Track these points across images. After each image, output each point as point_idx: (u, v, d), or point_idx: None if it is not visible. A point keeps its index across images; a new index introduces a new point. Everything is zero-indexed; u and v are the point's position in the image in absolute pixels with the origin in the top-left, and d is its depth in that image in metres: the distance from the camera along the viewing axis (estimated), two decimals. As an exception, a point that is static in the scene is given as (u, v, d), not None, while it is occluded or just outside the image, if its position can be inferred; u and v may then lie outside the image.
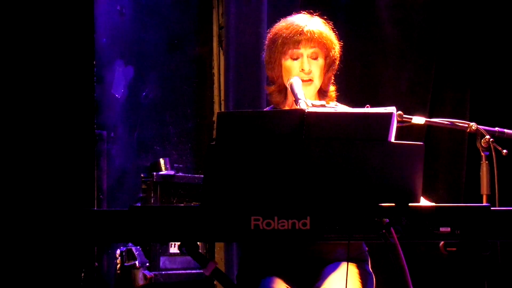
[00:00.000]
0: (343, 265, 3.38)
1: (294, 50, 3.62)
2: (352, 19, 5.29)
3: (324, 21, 3.71)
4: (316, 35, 3.61)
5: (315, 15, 3.73)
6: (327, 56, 3.65)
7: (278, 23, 3.73)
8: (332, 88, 3.74)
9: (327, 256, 3.45)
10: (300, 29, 3.63)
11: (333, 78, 3.74)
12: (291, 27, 3.65)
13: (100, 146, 4.39)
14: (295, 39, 3.62)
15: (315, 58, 3.62)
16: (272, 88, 3.71)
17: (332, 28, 3.72)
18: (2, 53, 3.98)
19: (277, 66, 3.66)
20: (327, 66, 3.66)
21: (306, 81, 3.59)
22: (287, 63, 3.63)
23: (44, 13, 4.06)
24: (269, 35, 3.72)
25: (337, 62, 3.71)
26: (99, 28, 4.45)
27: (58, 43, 4.08)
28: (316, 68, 3.62)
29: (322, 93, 3.70)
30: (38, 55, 4.04)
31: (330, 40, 3.65)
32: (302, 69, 3.60)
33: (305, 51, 3.62)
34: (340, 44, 3.72)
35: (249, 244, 3.57)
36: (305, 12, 3.74)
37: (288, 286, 3.32)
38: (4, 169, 3.92)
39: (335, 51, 3.67)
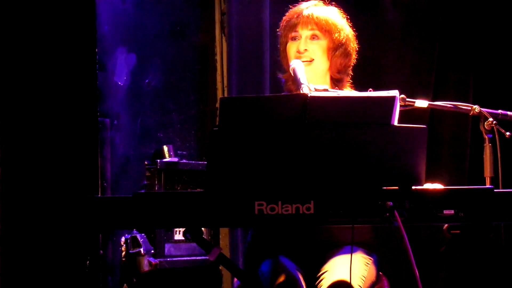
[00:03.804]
0: (349, 249, 3.38)
1: (293, 32, 3.66)
2: (355, 4, 5.28)
3: (338, 10, 3.72)
4: (314, 17, 3.64)
5: (331, 4, 3.74)
6: (330, 40, 3.65)
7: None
8: (347, 78, 3.73)
9: (333, 240, 3.46)
10: (299, 12, 3.67)
11: (350, 70, 3.73)
12: (293, 11, 3.71)
13: (103, 134, 4.39)
14: (293, 21, 3.67)
15: (315, 39, 3.64)
16: (286, 75, 3.73)
17: (347, 18, 3.73)
18: (3, 42, 3.98)
19: (284, 51, 3.70)
20: (332, 50, 3.66)
21: (305, 62, 3.59)
22: (288, 45, 3.66)
23: (46, 1, 4.05)
24: (280, 24, 3.76)
25: (352, 52, 3.70)
26: (101, 15, 4.44)
27: (60, 32, 4.07)
28: (316, 48, 3.63)
29: (334, 82, 3.69)
30: (40, 43, 4.03)
31: (333, 25, 3.66)
32: (298, 50, 3.62)
33: (303, 32, 3.64)
34: (354, 33, 3.73)
35: (255, 229, 3.57)
36: (320, 0, 3.76)
37: (296, 268, 3.33)
38: (8, 158, 3.92)
39: (340, 36, 3.66)
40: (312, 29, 3.64)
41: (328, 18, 3.66)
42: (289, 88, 3.73)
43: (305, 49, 3.62)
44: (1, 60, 3.95)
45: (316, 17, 3.64)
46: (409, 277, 2.78)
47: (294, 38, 3.66)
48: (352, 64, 3.73)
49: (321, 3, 3.75)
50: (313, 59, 3.62)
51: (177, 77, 5.12)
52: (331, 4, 3.76)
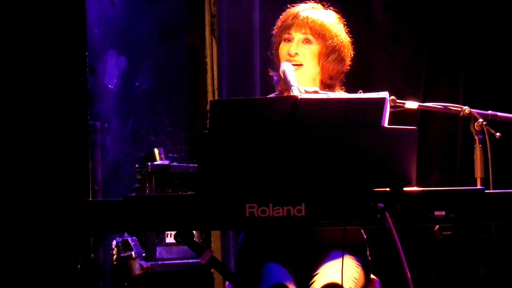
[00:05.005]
0: (339, 251, 3.38)
1: (287, 34, 3.64)
2: (344, 5, 5.28)
3: (335, 15, 3.71)
4: (309, 21, 3.61)
5: (327, 8, 3.72)
6: (324, 46, 3.63)
7: None
8: (339, 84, 3.72)
9: (325, 242, 3.46)
10: (295, 14, 3.65)
11: (343, 77, 3.72)
12: (289, 12, 3.69)
13: (94, 137, 4.38)
14: (288, 23, 3.65)
15: (307, 44, 3.62)
16: (278, 74, 3.72)
17: (344, 24, 3.72)
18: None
19: (277, 50, 3.70)
20: (325, 55, 3.63)
21: (295, 65, 3.59)
22: (280, 45, 3.65)
23: (35, 5, 4.04)
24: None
25: (346, 59, 3.68)
26: (91, 18, 4.44)
27: (50, 35, 4.07)
28: (307, 53, 3.61)
29: (324, 87, 3.68)
30: (30, 47, 4.03)
31: (328, 30, 3.63)
32: (289, 53, 3.61)
33: (296, 35, 3.63)
34: (350, 40, 3.71)
35: (246, 231, 3.57)
36: (317, 2, 3.74)
37: (287, 272, 3.32)
38: (-2, 162, 3.92)
39: (334, 42, 3.63)
40: (305, 33, 3.63)
41: (324, 23, 3.63)
42: (281, 87, 3.72)
43: (296, 53, 3.61)
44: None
45: (311, 21, 3.62)
46: (401, 279, 2.78)
47: (286, 40, 3.65)
48: (346, 70, 3.71)
49: (319, 6, 3.72)
50: (303, 64, 3.61)
51: (168, 79, 5.12)
52: (329, 8, 3.74)
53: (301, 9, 3.68)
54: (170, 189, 4.82)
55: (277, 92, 3.75)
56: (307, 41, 3.63)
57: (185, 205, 2.81)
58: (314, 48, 3.63)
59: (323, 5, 3.74)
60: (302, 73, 3.60)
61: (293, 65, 3.57)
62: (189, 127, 5.23)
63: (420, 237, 5.21)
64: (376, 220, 2.80)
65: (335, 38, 3.64)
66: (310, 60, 3.62)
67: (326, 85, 3.68)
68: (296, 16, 3.65)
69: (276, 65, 3.74)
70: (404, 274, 2.76)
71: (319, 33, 3.62)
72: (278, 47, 3.68)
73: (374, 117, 2.78)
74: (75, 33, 4.17)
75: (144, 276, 4.50)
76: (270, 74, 3.78)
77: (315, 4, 3.73)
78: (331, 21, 3.67)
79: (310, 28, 3.62)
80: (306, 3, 3.75)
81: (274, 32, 3.74)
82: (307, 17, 3.63)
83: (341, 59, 3.67)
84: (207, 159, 2.79)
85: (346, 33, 3.72)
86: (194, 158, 5.18)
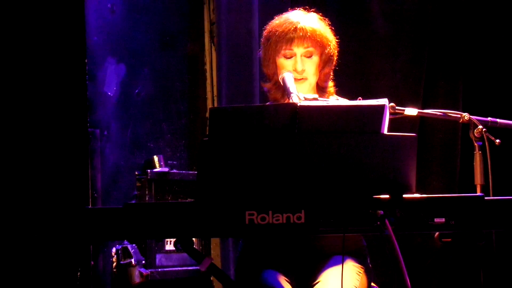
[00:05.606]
0: (340, 258, 3.38)
1: (287, 49, 3.60)
2: (344, 12, 5.29)
3: (320, 17, 3.70)
4: (309, 33, 3.59)
5: (311, 11, 3.70)
6: (322, 54, 3.63)
7: (273, 20, 3.71)
8: (330, 83, 3.73)
9: (325, 249, 3.45)
10: (293, 27, 3.60)
11: (332, 74, 3.73)
12: (284, 24, 3.62)
13: (93, 144, 4.38)
14: (288, 37, 3.59)
15: (309, 57, 3.61)
16: (269, 85, 3.70)
17: (329, 24, 3.71)
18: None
19: (271, 63, 3.65)
20: (323, 63, 3.65)
21: (299, 80, 3.58)
22: (281, 61, 3.62)
23: (35, 12, 4.05)
24: (264, 32, 3.70)
25: (335, 58, 3.70)
26: (90, 26, 4.44)
27: (49, 42, 4.07)
28: (310, 67, 3.60)
29: (320, 89, 3.69)
30: (30, 54, 4.02)
31: (325, 38, 3.63)
32: (295, 69, 3.59)
33: (298, 50, 3.60)
34: (336, 40, 3.71)
35: (246, 239, 3.57)
36: (301, 9, 3.71)
37: (287, 280, 3.32)
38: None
39: (330, 48, 3.65)
40: (307, 46, 3.60)
41: (321, 32, 3.61)
42: (275, 97, 3.71)
43: (303, 69, 3.60)
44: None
45: (310, 33, 3.58)
46: (401, 286, 2.77)
47: (288, 55, 3.60)
48: (334, 67, 3.73)
49: (311, 13, 3.70)
50: (307, 78, 3.61)
51: (167, 87, 5.12)
52: (312, 11, 3.72)
53: (296, 20, 3.61)
54: (170, 196, 4.81)
55: (270, 101, 3.74)
56: (309, 54, 3.61)
57: (184, 212, 2.81)
58: (315, 59, 3.62)
59: (306, 9, 3.71)
60: (307, 84, 3.61)
61: (299, 79, 3.57)
62: (188, 134, 5.23)
63: (420, 244, 5.20)
64: (376, 227, 2.80)
65: (331, 44, 3.65)
66: (313, 72, 3.63)
67: (322, 87, 3.68)
68: (295, 30, 3.59)
69: (268, 76, 3.70)
70: (404, 281, 2.76)
71: (319, 43, 3.61)
72: (274, 60, 3.63)
73: (374, 124, 2.78)
74: (74, 40, 4.16)
75: (144, 284, 4.50)
76: (263, 85, 3.76)
77: (303, 11, 3.69)
78: (323, 26, 3.66)
79: (311, 40, 3.60)
80: (296, 9, 3.72)
81: (266, 41, 3.68)
82: (305, 28, 3.59)
83: (333, 61, 3.68)
84: (206, 166, 2.79)
85: (330, 29, 3.71)
86: (193, 165, 5.18)
